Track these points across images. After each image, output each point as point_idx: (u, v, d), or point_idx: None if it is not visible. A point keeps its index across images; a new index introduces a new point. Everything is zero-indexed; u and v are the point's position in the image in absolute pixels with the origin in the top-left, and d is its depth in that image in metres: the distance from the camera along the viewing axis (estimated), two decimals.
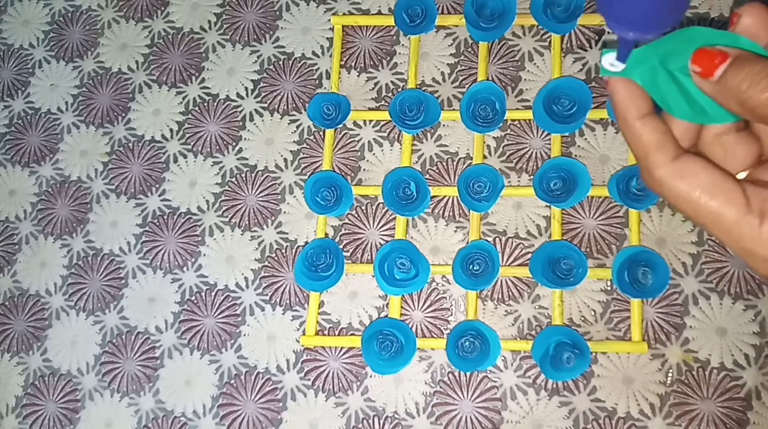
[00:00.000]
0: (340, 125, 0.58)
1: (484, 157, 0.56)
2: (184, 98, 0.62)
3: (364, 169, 0.57)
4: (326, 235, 0.56)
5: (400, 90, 0.58)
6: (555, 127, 0.54)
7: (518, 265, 0.54)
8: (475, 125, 0.55)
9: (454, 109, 0.57)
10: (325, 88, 0.60)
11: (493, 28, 0.57)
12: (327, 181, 0.56)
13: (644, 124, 0.31)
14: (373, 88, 0.59)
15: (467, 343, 0.51)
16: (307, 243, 0.57)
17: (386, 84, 0.59)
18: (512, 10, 0.57)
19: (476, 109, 0.55)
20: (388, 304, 0.54)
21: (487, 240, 0.54)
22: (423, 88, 0.58)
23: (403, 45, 0.59)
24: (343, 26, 0.60)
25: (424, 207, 0.55)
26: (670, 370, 0.50)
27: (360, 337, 0.53)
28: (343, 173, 0.58)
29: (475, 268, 0.52)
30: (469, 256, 0.53)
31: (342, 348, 0.54)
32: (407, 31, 0.59)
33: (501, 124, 0.56)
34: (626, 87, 0.31)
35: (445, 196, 0.56)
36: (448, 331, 0.53)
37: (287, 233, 0.57)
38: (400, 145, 0.57)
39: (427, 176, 0.56)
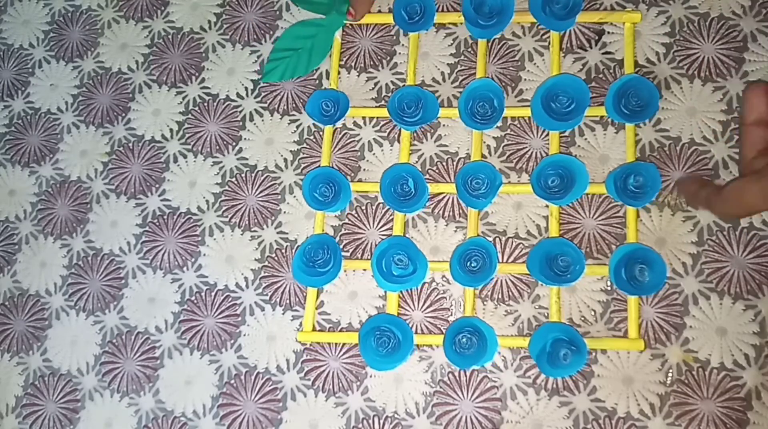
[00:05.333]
0: (339, 122, 0.58)
1: (483, 156, 0.56)
2: (184, 98, 0.62)
3: (364, 169, 0.57)
4: (323, 231, 0.56)
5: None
6: (553, 124, 0.54)
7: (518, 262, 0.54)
8: (473, 122, 0.55)
9: (452, 107, 0.57)
10: (325, 87, 0.60)
11: (491, 26, 0.57)
12: (325, 177, 0.56)
13: (754, 129, 0.45)
14: (373, 88, 0.59)
15: (464, 340, 0.51)
16: None
17: (386, 84, 0.59)
18: (510, 8, 0.57)
19: (474, 106, 0.55)
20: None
21: (487, 240, 0.54)
22: (423, 88, 0.58)
23: (403, 45, 0.60)
24: (343, 26, 0.60)
25: (422, 204, 0.55)
26: (670, 370, 0.50)
27: (357, 333, 0.53)
28: (342, 172, 0.58)
29: (472, 264, 0.52)
30: (466, 252, 0.53)
31: (342, 348, 0.54)
32: (406, 28, 0.59)
33: (499, 121, 0.56)
34: (756, 94, 0.45)
35: (443, 195, 0.56)
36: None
37: (287, 233, 0.57)
38: (400, 144, 0.57)
39: (427, 176, 0.56)
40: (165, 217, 0.60)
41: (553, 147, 0.54)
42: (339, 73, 0.60)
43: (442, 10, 0.59)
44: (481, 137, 0.56)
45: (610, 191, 0.53)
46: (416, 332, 0.53)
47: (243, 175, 0.59)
